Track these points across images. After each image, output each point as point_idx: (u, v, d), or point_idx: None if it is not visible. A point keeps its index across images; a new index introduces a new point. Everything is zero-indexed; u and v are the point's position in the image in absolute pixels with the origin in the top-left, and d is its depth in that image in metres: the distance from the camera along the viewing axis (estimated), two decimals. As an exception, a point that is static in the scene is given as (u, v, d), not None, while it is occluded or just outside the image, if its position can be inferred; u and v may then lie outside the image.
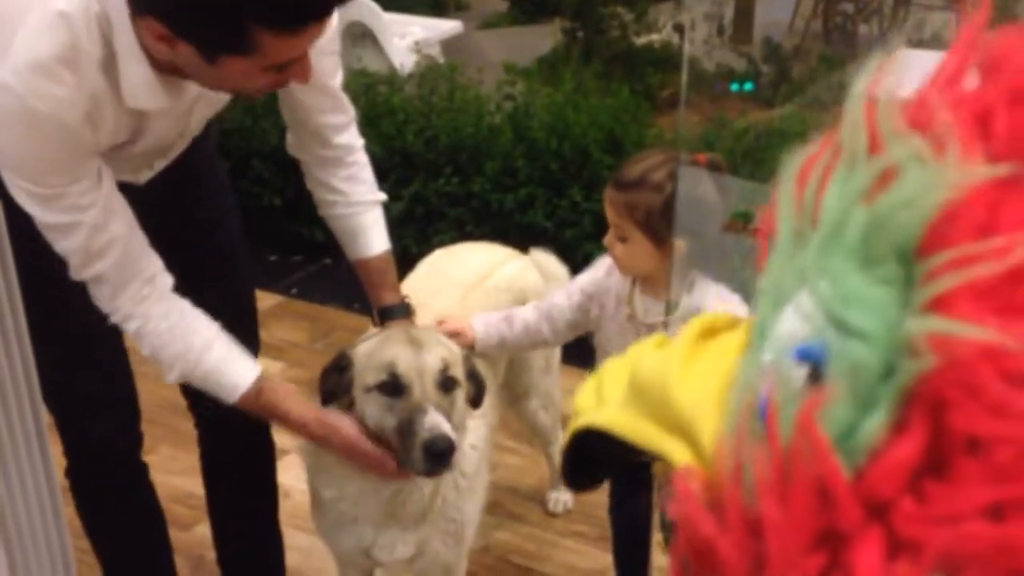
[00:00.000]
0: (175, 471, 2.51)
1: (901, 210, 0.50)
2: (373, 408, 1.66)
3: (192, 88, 1.49)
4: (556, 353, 2.38)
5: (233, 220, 1.92)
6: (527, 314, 1.97)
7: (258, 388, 1.63)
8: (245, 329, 1.81)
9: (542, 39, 5.90)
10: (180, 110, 1.55)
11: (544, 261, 2.33)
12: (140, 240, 1.54)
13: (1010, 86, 0.52)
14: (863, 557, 0.48)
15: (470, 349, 1.89)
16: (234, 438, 1.96)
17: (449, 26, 4.96)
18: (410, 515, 1.76)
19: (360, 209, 1.82)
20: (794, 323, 0.55)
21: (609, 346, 1.86)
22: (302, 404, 1.70)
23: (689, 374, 0.69)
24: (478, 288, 2.09)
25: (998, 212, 0.48)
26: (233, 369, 1.62)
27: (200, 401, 1.81)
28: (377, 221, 1.85)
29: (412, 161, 3.65)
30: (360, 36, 4.49)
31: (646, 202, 1.72)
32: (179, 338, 1.57)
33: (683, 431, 0.66)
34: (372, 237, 1.84)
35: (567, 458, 0.80)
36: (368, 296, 1.88)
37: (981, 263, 0.47)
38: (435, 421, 1.59)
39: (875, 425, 0.48)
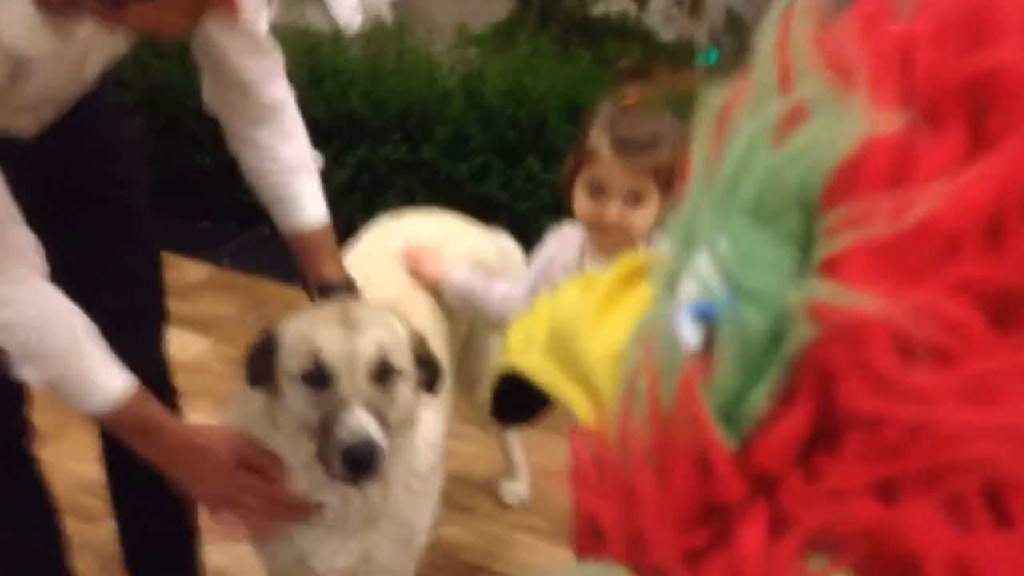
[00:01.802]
0: (86, 458, 2.24)
1: (801, 158, 0.45)
2: (296, 401, 1.43)
3: (83, 30, 1.24)
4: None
5: (139, 180, 1.67)
6: (507, 287, 1.79)
7: (128, 403, 1.35)
8: (148, 297, 1.59)
9: (496, 5, 5.68)
10: (69, 56, 1.30)
11: (500, 244, 2.13)
12: (12, 213, 1.27)
13: (939, 15, 0.46)
14: (746, 533, 0.45)
15: (436, 296, 1.72)
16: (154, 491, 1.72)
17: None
18: (354, 522, 1.54)
19: (293, 173, 1.59)
20: (691, 279, 0.50)
21: None
22: (179, 420, 1.46)
23: (601, 324, 0.67)
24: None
25: (908, 163, 0.43)
26: (102, 382, 1.35)
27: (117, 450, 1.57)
28: (313, 187, 1.61)
29: (358, 125, 3.40)
30: (304, -9, 4.20)
31: (666, 158, 1.56)
32: (47, 333, 1.30)
33: (587, 386, 0.64)
34: (308, 205, 1.61)
35: (495, 395, 0.78)
36: (305, 272, 1.64)
37: (878, 221, 0.42)
38: (358, 422, 1.35)
39: (761, 395, 0.45)
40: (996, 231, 0.42)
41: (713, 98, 0.54)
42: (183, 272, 3.29)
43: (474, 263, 1.90)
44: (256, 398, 1.50)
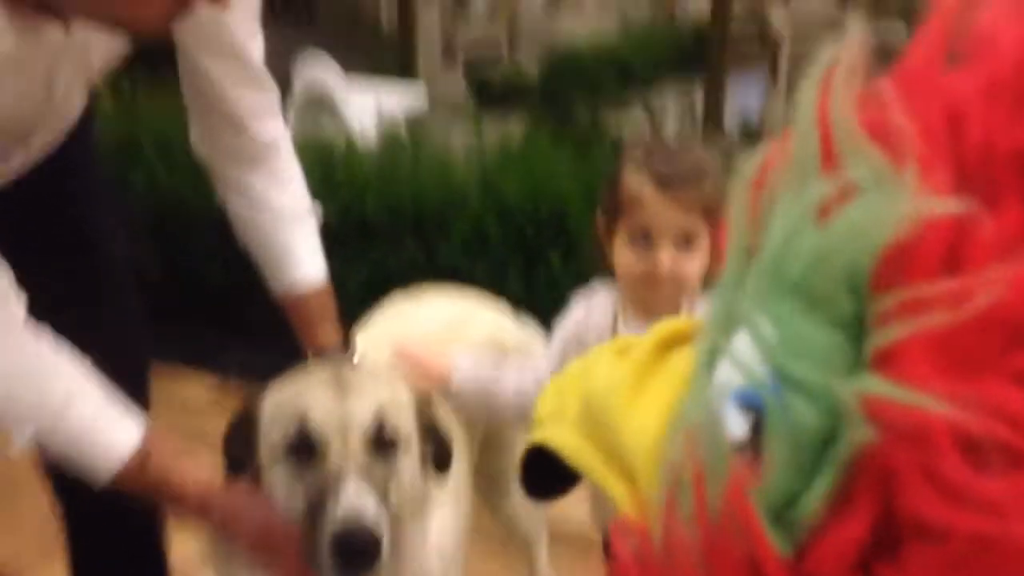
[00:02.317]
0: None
1: (850, 239, 0.42)
2: (280, 482, 1.20)
3: (53, 34, 1.10)
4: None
5: (120, 240, 1.51)
6: (517, 373, 1.58)
7: (144, 454, 1.16)
8: (129, 378, 1.40)
9: (508, 126, 5.66)
10: (37, 67, 1.15)
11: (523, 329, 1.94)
12: None
13: (990, 76, 0.43)
14: None
15: (442, 391, 1.49)
16: (116, 539, 1.50)
17: (413, 90, 4.66)
18: None
19: (288, 224, 1.42)
20: (733, 366, 0.47)
21: None
22: (201, 468, 1.23)
23: (637, 401, 0.64)
24: (450, 341, 1.68)
25: (964, 243, 0.40)
26: (111, 429, 1.15)
27: (72, 489, 1.36)
28: (310, 238, 1.45)
29: (372, 230, 3.28)
30: (317, 101, 4.17)
31: (713, 192, 1.38)
32: (34, 384, 1.12)
33: (624, 469, 0.60)
34: (304, 258, 1.44)
35: (524, 466, 0.75)
36: (299, 336, 1.46)
37: (936, 310, 0.39)
38: (355, 499, 1.12)
39: (816, 498, 0.42)
40: None
41: (746, 169, 0.50)
42: (190, 384, 3.13)
43: (489, 347, 1.70)
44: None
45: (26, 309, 1.13)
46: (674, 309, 1.44)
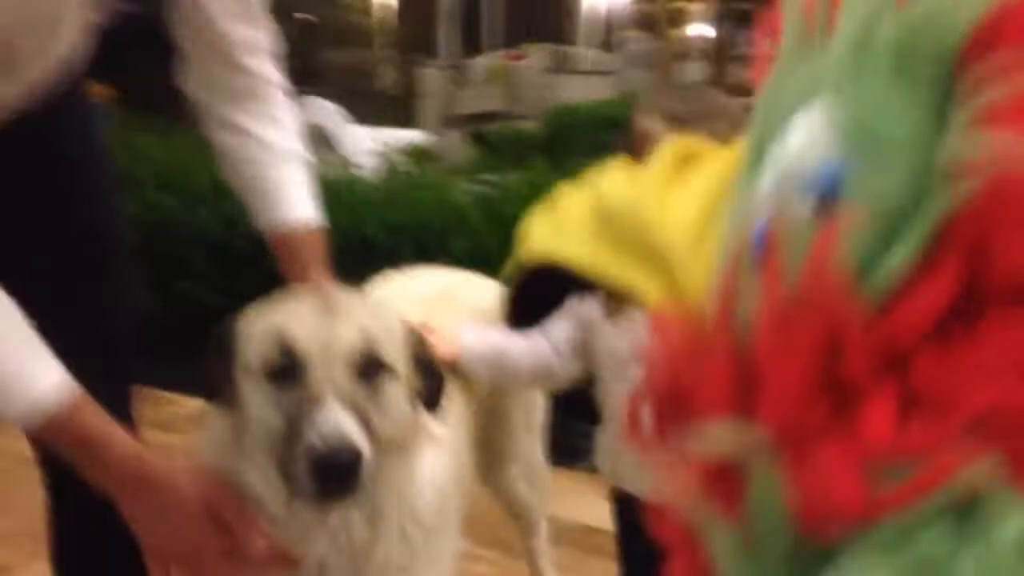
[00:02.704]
0: None
1: (943, 10, 0.42)
2: (257, 404, 1.13)
3: None
4: (539, 410, 1.91)
5: (118, 232, 1.44)
6: (526, 334, 1.52)
7: (71, 407, 1.05)
8: (116, 347, 1.34)
9: (503, 160, 5.69)
10: None
11: None
12: None
13: None
14: (874, 414, 0.41)
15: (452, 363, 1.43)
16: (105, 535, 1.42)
17: (412, 135, 4.71)
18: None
19: (280, 157, 1.36)
20: (803, 140, 0.46)
21: (614, 348, 1.43)
22: (128, 439, 1.11)
23: (668, 199, 0.64)
24: (444, 306, 1.64)
25: None
26: (38, 370, 1.05)
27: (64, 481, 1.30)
28: (304, 181, 1.39)
29: (372, 249, 3.26)
30: (318, 139, 4.21)
31: (725, 133, 1.34)
32: None
33: (659, 262, 0.60)
34: (296, 197, 1.38)
35: (514, 291, 0.74)
36: (287, 279, 1.39)
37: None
38: (332, 418, 1.06)
39: (899, 262, 0.41)
40: None
41: None
42: (182, 407, 3.08)
43: (487, 318, 1.66)
44: (222, 421, 1.23)
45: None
46: None
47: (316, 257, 1.39)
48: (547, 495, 1.95)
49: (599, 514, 1.66)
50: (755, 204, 0.49)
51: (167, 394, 3.08)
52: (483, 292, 1.79)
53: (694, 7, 11.65)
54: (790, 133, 0.48)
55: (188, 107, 1.42)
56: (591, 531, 2.26)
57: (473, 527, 1.63)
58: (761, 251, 0.47)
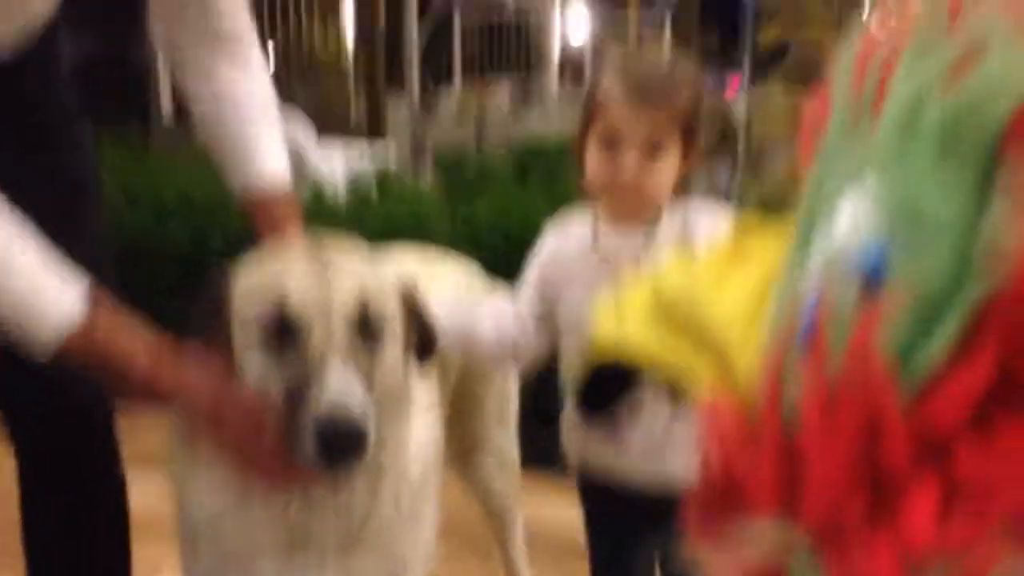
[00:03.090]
0: None
1: (986, 97, 0.43)
2: (254, 365, 1.11)
3: None
4: (512, 403, 1.90)
5: (91, 176, 1.44)
6: (495, 307, 1.55)
7: (89, 322, 1.07)
8: None
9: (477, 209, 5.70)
10: None
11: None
12: None
13: None
14: (916, 508, 0.40)
15: None
16: (71, 484, 1.39)
17: (383, 158, 4.71)
18: (329, 543, 1.19)
19: (255, 111, 1.35)
20: (851, 221, 0.47)
21: (579, 316, 1.43)
22: (150, 340, 1.12)
23: (722, 288, 0.65)
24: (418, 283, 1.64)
25: None
26: (54, 292, 1.06)
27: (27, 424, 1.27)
28: (277, 139, 1.38)
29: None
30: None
31: (687, 104, 1.38)
32: None
33: (713, 350, 0.61)
34: (271, 154, 1.36)
35: (585, 384, 0.78)
36: (264, 238, 1.37)
37: None
38: (341, 385, 1.04)
39: (939, 348, 0.41)
40: None
41: (849, 47, 0.52)
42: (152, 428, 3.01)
43: (459, 294, 1.66)
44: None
45: None
46: (650, 218, 1.42)
47: (293, 218, 1.38)
48: (518, 489, 1.93)
49: (571, 517, 1.64)
50: (804, 285, 0.50)
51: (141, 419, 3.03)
52: (456, 270, 1.80)
53: (663, 46, 11.83)
54: (838, 213, 0.49)
55: (155, 125, 1.42)
56: (563, 535, 2.24)
57: (449, 530, 1.62)
58: (809, 334, 0.47)
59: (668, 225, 1.42)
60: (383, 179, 4.17)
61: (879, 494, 0.43)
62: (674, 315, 0.67)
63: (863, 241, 0.46)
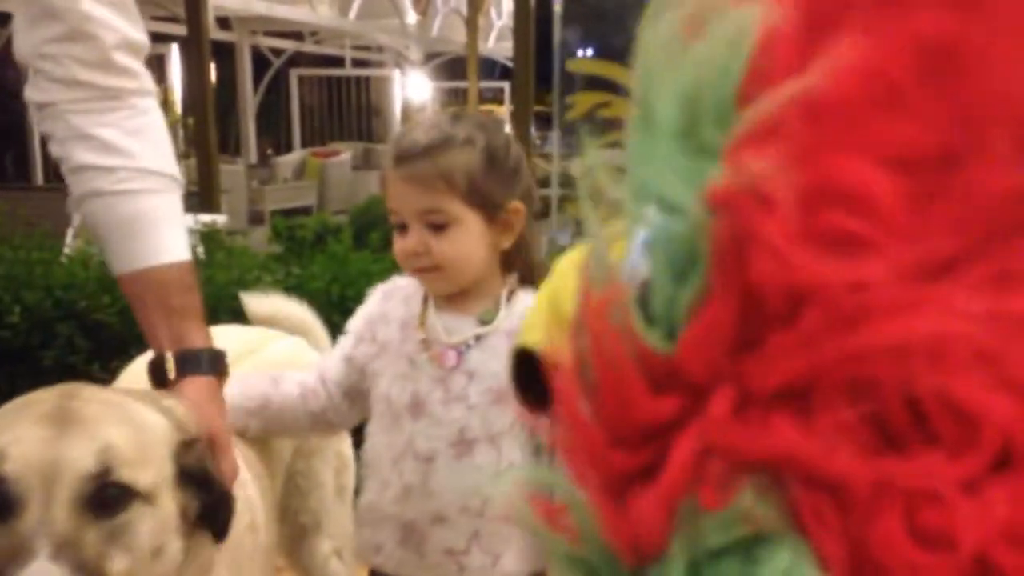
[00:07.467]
0: None
1: (706, 68, 0.45)
2: None
3: None
4: (350, 471, 1.74)
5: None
6: (301, 376, 1.38)
7: None
8: None
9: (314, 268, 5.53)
10: None
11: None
12: None
13: None
14: (677, 451, 0.43)
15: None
16: None
17: (217, 218, 4.46)
18: None
19: (156, 184, 1.13)
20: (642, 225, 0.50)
21: (388, 405, 1.29)
22: None
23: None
24: (245, 361, 1.45)
25: (807, 61, 0.43)
26: None
27: None
28: (179, 213, 1.17)
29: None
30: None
31: (464, 162, 1.21)
32: None
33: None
34: (172, 234, 1.15)
35: (514, 380, 0.82)
36: (153, 333, 1.14)
37: (769, 103, 0.42)
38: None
39: (688, 296, 0.44)
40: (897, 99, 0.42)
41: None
42: None
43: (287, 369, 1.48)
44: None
45: None
46: (480, 301, 1.28)
47: (194, 304, 1.15)
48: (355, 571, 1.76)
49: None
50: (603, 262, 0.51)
51: None
52: (286, 345, 1.64)
53: (502, 110, 12.02)
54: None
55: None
56: None
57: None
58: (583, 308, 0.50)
59: (506, 316, 1.26)
60: (211, 242, 3.95)
61: (657, 452, 0.44)
62: (555, 314, 0.73)
63: (645, 234, 0.48)
